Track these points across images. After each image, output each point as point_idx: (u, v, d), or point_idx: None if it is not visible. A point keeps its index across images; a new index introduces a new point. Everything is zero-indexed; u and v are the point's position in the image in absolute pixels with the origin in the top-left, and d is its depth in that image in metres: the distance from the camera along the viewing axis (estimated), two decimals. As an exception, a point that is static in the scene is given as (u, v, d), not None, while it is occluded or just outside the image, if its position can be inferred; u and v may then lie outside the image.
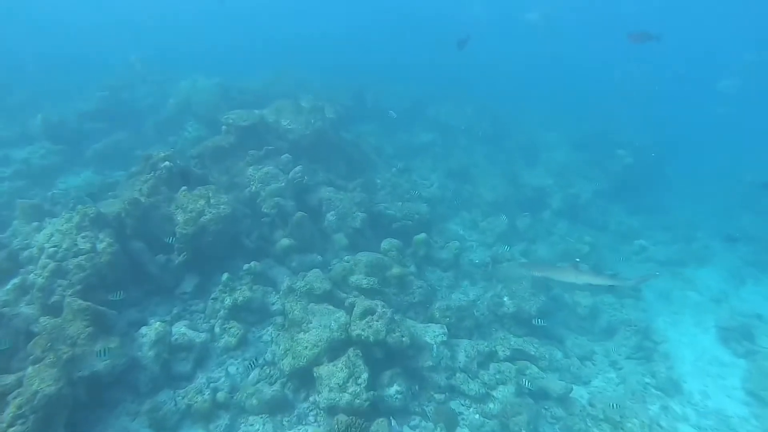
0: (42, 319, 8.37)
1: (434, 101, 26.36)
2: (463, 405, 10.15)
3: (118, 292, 9.67)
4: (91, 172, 16.99)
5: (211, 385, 9.38)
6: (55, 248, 9.55)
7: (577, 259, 13.77)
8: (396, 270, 12.19)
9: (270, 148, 14.70)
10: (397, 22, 48.19)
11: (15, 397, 7.03)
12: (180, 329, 9.93)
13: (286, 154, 14.63)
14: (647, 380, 12.04)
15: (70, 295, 8.89)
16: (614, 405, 10.31)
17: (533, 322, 12.27)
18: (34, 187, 15.34)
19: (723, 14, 47.75)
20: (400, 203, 15.51)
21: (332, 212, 13.84)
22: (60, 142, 17.55)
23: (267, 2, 51.82)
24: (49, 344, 7.73)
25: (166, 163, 12.07)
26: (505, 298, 12.90)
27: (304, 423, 9.14)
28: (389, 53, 36.75)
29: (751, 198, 23.04)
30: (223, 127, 15.41)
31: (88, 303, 8.55)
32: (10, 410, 6.85)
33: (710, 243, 19.59)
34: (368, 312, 10.04)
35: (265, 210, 13.11)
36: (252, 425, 8.93)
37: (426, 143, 22.78)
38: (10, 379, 7.41)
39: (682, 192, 24.76)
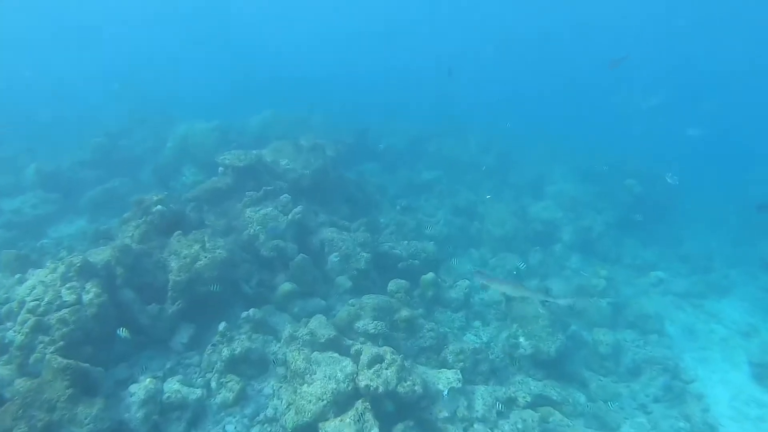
0: (17, 382, 7.62)
1: (437, 137, 26.09)
2: (483, 460, 9.26)
3: (122, 329, 9.18)
4: (85, 221, 16.49)
5: (207, 447, 8.56)
6: (37, 302, 8.87)
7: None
8: (404, 313, 11.46)
9: (268, 188, 14.18)
10: (400, 59, 48.68)
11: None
12: (173, 386, 9.12)
13: (286, 195, 14.10)
14: (681, 424, 11.09)
15: (51, 353, 8.15)
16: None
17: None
18: (25, 238, 14.78)
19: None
20: (406, 242, 14.89)
21: (335, 254, 13.20)
22: (54, 190, 17.13)
23: (265, 42, 52.68)
24: (21, 411, 6.94)
25: (159, 207, 11.51)
26: (521, 339, 12.14)
27: (309, 488, 8.28)
28: (392, 90, 36.82)
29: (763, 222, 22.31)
30: (220, 168, 14.97)
31: (70, 361, 7.79)
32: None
33: (729, 273, 18.78)
34: (377, 360, 9.29)
35: (265, 253, 12.47)
36: (252, 492, 8.07)
37: (430, 180, 22.30)
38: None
39: (692, 219, 24.01)
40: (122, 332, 9.20)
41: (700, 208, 25.41)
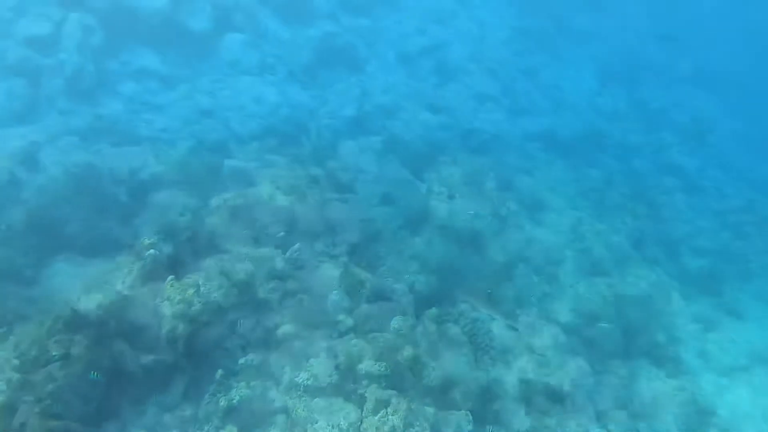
0: (-3, 449, 7.17)
1: (435, 161, 25.77)
2: None
3: (94, 372, 8.62)
4: (77, 265, 16.01)
5: None
6: (21, 359, 8.43)
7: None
8: (409, 351, 11.02)
9: (265, 226, 13.88)
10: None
11: None
12: (168, 442, 8.67)
13: (282, 232, 13.81)
14: (712, 461, 10.59)
15: (36, 414, 7.69)
16: None
17: None
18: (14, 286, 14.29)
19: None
20: (407, 275, 14.54)
21: (335, 291, 12.83)
22: (43, 232, 16.67)
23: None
24: (3, 482, 6.49)
25: (152, 251, 11.18)
26: (531, 375, 11.69)
27: None
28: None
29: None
30: (215, 207, 14.70)
31: (56, 422, 7.35)
32: None
33: (739, 295, 18.34)
34: (382, 405, 8.90)
35: (262, 295, 12.07)
36: None
37: (430, 207, 21.93)
38: None
39: (695, 236, 23.56)
40: (94, 375, 8.67)
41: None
